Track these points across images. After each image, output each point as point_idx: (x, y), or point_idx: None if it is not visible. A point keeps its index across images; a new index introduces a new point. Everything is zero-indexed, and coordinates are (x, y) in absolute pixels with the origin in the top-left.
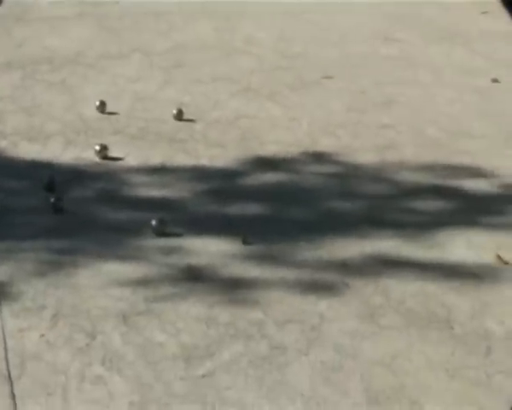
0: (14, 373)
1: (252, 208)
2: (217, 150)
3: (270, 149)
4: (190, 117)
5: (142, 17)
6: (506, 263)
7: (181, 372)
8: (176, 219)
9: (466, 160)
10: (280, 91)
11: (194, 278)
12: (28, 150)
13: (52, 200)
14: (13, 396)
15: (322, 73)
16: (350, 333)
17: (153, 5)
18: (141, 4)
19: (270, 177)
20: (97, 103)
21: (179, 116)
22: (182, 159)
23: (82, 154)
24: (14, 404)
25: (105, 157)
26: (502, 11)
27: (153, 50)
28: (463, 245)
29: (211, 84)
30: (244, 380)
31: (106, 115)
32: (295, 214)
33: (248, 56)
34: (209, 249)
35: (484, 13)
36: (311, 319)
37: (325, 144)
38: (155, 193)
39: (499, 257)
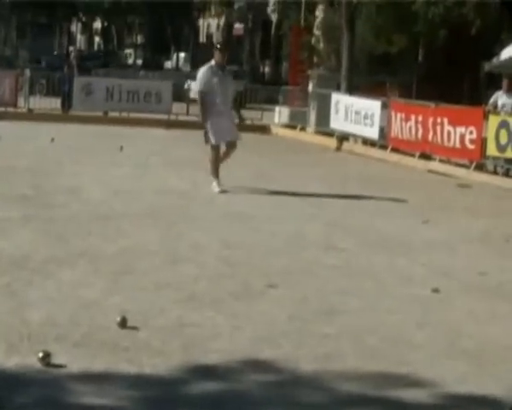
0: None
1: None
2: (159, 359)
3: (212, 358)
4: (134, 324)
5: (90, 222)
6: None
7: None
8: None
9: (406, 369)
10: (223, 299)
11: None
12: None
13: None
14: None
15: (265, 281)
16: None
17: (100, 209)
18: (89, 209)
19: (212, 386)
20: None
21: (123, 324)
22: (124, 367)
23: (25, 360)
24: None
25: (48, 364)
26: (443, 220)
27: (98, 256)
28: None
29: (155, 292)
30: None
31: (51, 321)
32: None
33: (193, 264)
34: None
35: (425, 222)
36: None
37: (268, 353)
38: (97, 401)
39: None
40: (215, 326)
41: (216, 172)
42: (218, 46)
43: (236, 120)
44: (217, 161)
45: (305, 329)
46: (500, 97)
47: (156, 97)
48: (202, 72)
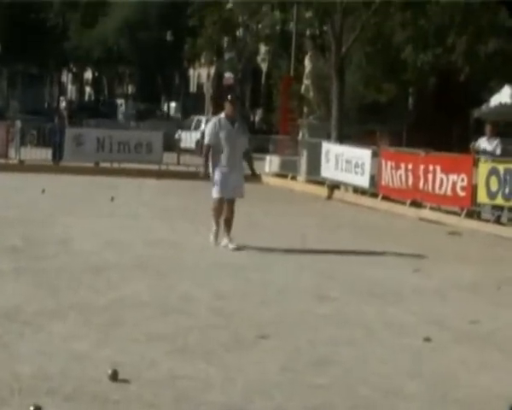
0: None
1: None
2: None
3: None
4: (125, 377)
5: (80, 273)
6: None
7: None
8: None
9: None
10: (215, 351)
11: None
12: None
13: None
14: None
15: (257, 332)
16: None
17: (90, 260)
18: (80, 260)
19: None
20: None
21: (114, 376)
22: None
23: None
24: None
25: None
26: (434, 268)
27: (89, 307)
28: None
29: (146, 344)
30: None
31: (42, 374)
32: None
33: (184, 315)
34: None
35: (416, 270)
36: None
37: (260, 405)
38: None
39: None
40: (207, 378)
41: (216, 222)
42: (229, 98)
43: (246, 172)
44: (218, 213)
45: (297, 380)
46: (482, 142)
47: (147, 147)
48: (210, 124)
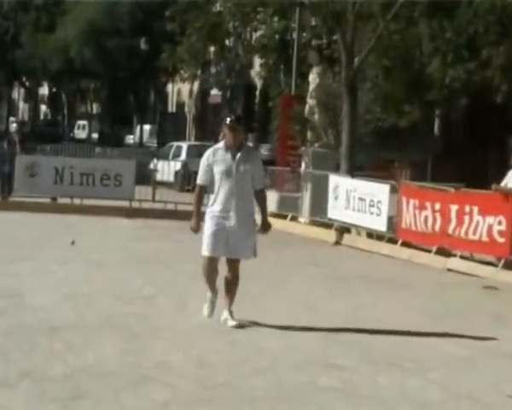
0: None
1: None
2: None
3: None
4: None
5: (34, 334)
6: None
7: None
8: None
9: None
10: None
11: None
12: None
13: None
14: None
15: (249, 409)
16: None
17: (47, 317)
18: (33, 317)
19: None
20: None
21: None
22: None
23: None
24: None
25: None
26: (464, 330)
27: (45, 376)
28: None
29: None
30: None
31: None
32: None
33: (160, 385)
34: None
35: (442, 334)
36: None
37: None
38: None
39: None
40: None
41: (210, 287)
42: (228, 121)
43: (257, 228)
44: (210, 275)
45: None
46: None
47: (116, 180)
48: (203, 158)
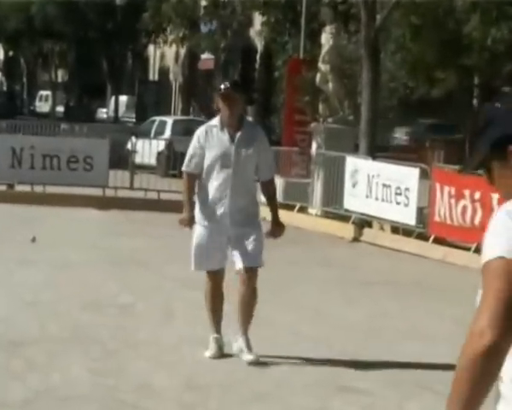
0: None
1: None
2: None
3: None
4: None
5: None
6: None
7: None
8: None
9: None
10: None
11: None
12: None
13: None
14: None
15: None
16: None
17: (4, 331)
18: None
19: None
20: None
21: None
22: None
23: None
24: None
25: None
26: None
27: (2, 402)
28: None
29: None
30: None
31: None
32: None
33: None
34: None
35: None
36: None
37: None
38: None
39: None
40: None
41: (213, 323)
42: (222, 88)
43: (264, 230)
44: (213, 305)
45: None
46: None
47: (86, 163)
48: (194, 138)
